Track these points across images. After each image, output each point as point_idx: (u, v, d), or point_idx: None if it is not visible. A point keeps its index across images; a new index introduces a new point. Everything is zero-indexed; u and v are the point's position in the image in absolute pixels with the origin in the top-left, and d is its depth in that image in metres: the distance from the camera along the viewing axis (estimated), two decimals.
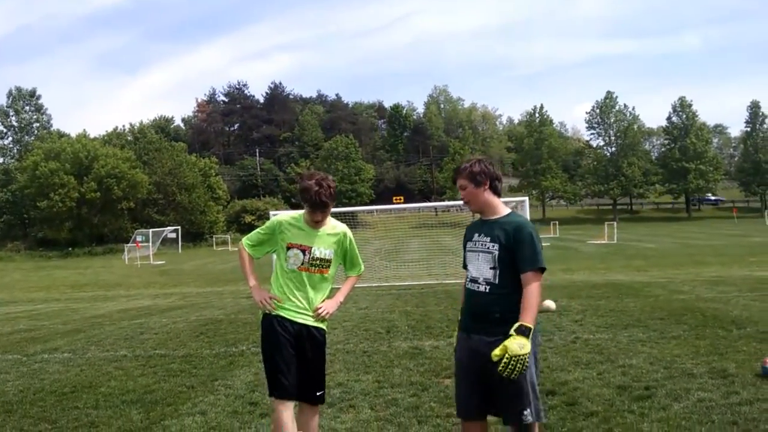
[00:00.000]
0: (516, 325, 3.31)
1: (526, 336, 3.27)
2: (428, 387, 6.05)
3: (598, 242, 40.00)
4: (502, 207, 3.62)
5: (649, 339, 7.90)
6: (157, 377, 7.00)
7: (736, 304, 10.63)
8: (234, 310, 13.10)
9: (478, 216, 3.72)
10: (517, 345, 3.24)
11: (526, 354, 3.24)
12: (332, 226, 4.14)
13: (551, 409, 5.14)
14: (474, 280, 3.53)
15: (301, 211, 4.11)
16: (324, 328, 4.12)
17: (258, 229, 4.27)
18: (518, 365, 3.23)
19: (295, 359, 3.95)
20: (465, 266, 3.72)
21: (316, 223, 4.02)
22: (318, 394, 4.03)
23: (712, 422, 4.61)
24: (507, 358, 3.23)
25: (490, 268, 3.47)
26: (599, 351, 7.31)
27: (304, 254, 3.99)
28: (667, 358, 6.74)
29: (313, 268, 4.02)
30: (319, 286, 4.07)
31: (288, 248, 4.02)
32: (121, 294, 20.35)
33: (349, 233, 4.19)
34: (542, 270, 3.42)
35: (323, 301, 4.08)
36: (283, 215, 4.20)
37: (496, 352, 3.27)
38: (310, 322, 4.02)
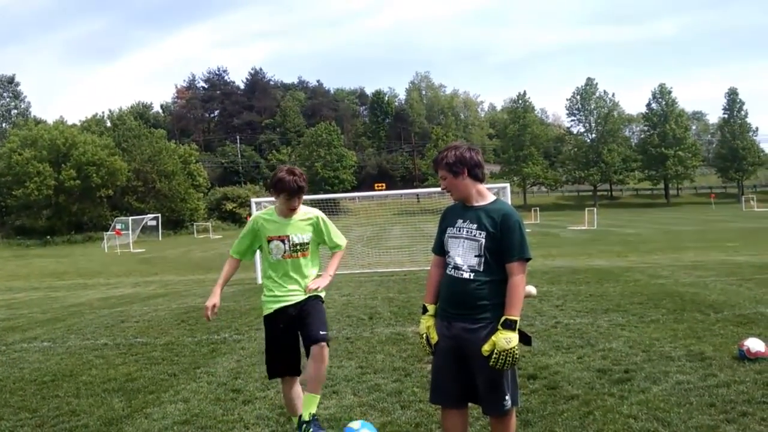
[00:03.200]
0: (502, 319, 3.32)
1: (513, 329, 3.29)
2: (411, 372, 6.08)
3: (579, 228, 40.32)
4: (486, 193, 3.54)
5: (628, 323, 8.00)
6: (138, 365, 6.97)
7: (714, 289, 10.79)
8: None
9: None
10: (504, 340, 3.26)
11: (513, 347, 3.27)
12: (304, 212, 4.40)
13: (532, 393, 5.20)
14: (457, 267, 3.45)
15: (271, 207, 4.45)
16: (320, 294, 4.39)
17: (240, 236, 4.49)
18: (508, 359, 3.27)
19: (289, 342, 4.30)
20: (438, 251, 3.64)
21: (291, 211, 4.29)
22: (321, 333, 4.20)
23: (691, 404, 4.69)
24: (496, 354, 3.27)
25: (475, 256, 3.40)
26: (580, 335, 7.39)
27: (284, 243, 4.28)
28: (646, 342, 6.83)
29: (295, 253, 4.31)
30: (305, 267, 4.34)
31: (269, 241, 4.31)
32: (101, 282, 20.17)
33: (322, 215, 4.47)
34: (528, 260, 3.42)
35: (314, 278, 4.37)
36: (257, 213, 4.52)
37: (485, 347, 3.30)
38: (301, 298, 4.30)
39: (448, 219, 3.61)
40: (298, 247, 4.30)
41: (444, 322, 3.52)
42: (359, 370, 6.26)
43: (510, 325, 3.29)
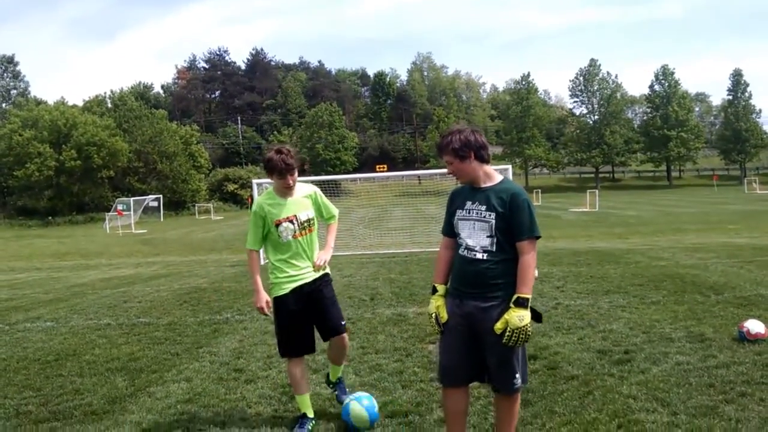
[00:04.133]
0: (514, 297, 3.35)
1: (525, 307, 3.32)
2: (412, 353, 6.12)
3: (580, 210, 40.31)
4: (493, 174, 3.56)
5: (629, 305, 8.03)
6: (141, 345, 7.01)
7: (715, 270, 10.81)
8: (218, 278, 13.10)
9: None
10: (517, 318, 3.30)
11: (526, 325, 3.31)
12: (302, 189, 4.46)
13: (533, 373, 5.22)
14: (469, 248, 3.47)
15: (270, 189, 4.48)
16: (328, 272, 4.52)
17: (250, 227, 4.45)
18: (521, 336, 3.31)
19: (308, 321, 4.41)
20: (448, 233, 3.66)
21: (287, 189, 4.33)
22: (343, 323, 4.48)
23: (690, 385, 4.72)
24: (509, 332, 3.30)
25: (487, 237, 3.43)
26: (580, 316, 7.42)
27: (293, 223, 4.33)
28: (647, 323, 6.87)
29: (304, 230, 4.38)
30: (312, 243, 4.45)
31: (277, 225, 4.31)
32: (103, 263, 20.23)
33: (318, 190, 4.57)
34: (537, 238, 3.45)
35: (318, 254, 4.46)
36: (258, 199, 4.48)
37: (498, 325, 3.33)
38: (315, 276, 4.41)
39: (456, 201, 3.62)
40: (306, 224, 4.38)
41: (456, 300, 3.54)
42: (360, 351, 6.30)
43: (522, 303, 3.33)
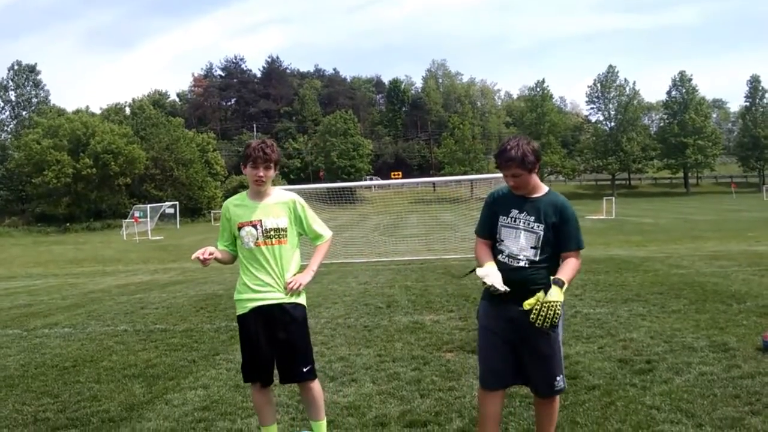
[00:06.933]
0: (552, 278, 3.36)
1: (560, 287, 3.31)
2: (429, 361, 6.06)
3: (597, 217, 40.03)
4: (540, 184, 3.57)
5: (649, 313, 7.91)
6: (158, 351, 7.01)
7: (736, 279, 10.65)
8: (234, 285, 13.02)
9: (502, 184, 3.65)
10: (548, 294, 3.28)
11: (557, 301, 3.26)
12: (279, 195, 4.00)
13: None
14: (512, 256, 3.47)
15: (244, 192, 4.04)
16: (301, 302, 3.96)
17: (219, 228, 4.07)
18: (549, 312, 3.25)
19: (269, 349, 3.87)
20: (486, 235, 3.62)
21: (258, 185, 3.85)
22: (305, 370, 3.89)
23: (715, 395, 4.62)
24: (539, 305, 3.26)
25: (532, 247, 3.45)
26: (600, 325, 7.32)
27: (257, 229, 3.85)
28: (668, 332, 6.76)
29: (270, 240, 3.85)
30: (282, 258, 3.88)
31: (240, 228, 3.88)
32: (119, 269, 20.35)
33: (300, 200, 4.00)
34: (582, 249, 3.52)
35: (294, 275, 3.93)
36: (228, 200, 4.07)
37: (530, 301, 3.30)
38: (282, 299, 3.86)
39: (499, 205, 3.60)
40: (273, 233, 3.85)
41: (496, 305, 3.51)
42: (378, 359, 6.24)
43: (558, 283, 3.32)
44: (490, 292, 3.44)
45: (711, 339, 6.36)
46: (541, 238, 3.44)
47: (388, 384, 5.37)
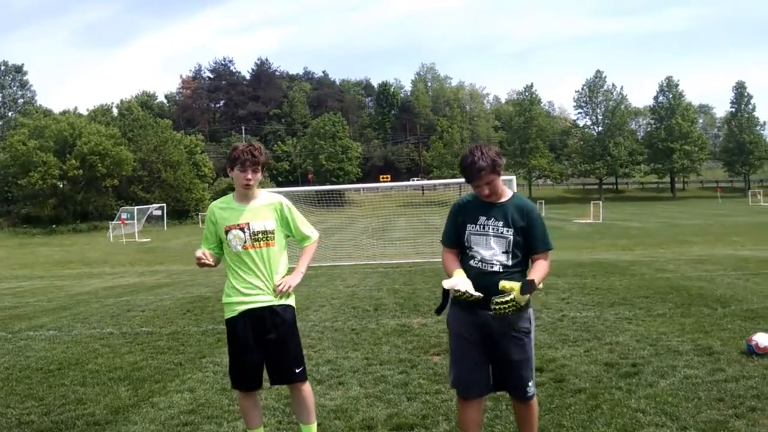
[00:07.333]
0: (525, 279, 3.36)
1: (529, 292, 3.32)
2: (417, 364, 6.06)
3: (584, 221, 40.26)
4: (505, 188, 3.60)
5: (635, 317, 7.96)
6: (144, 354, 6.97)
7: (721, 283, 10.74)
8: (221, 288, 12.94)
9: (465, 192, 3.68)
10: (522, 298, 3.29)
11: (519, 304, 3.29)
12: (266, 197, 3.96)
13: (539, 386, 5.15)
14: (485, 261, 3.48)
15: (230, 194, 4.00)
16: (291, 304, 3.93)
17: (204, 230, 4.01)
18: (509, 308, 3.27)
19: (258, 353, 3.84)
20: (452, 244, 3.62)
21: (246, 188, 3.81)
22: (297, 371, 3.87)
23: (699, 399, 4.66)
24: (510, 298, 3.25)
25: (503, 252, 3.48)
26: (586, 329, 7.35)
27: (244, 232, 3.81)
28: (653, 336, 6.80)
29: (258, 243, 3.82)
30: (271, 260, 3.85)
31: (227, 232, 3.83)
32: (106, 271, 20.23)
33: (287, 202, 3.98)
34: (550, 250, 3.55)
35: (283, 277, 3.90)
36: (212, 203, 4.01)
37: (508, 285, 3.29)
38: (272, 302, 3.83)
39: (466, 214, 3.60)
40: (261, 236, 3.81)
41: (467, 312, 3.51)
42: (365, 362, 6.24)
43: (528, 288, 3.29)
44: (463, 299, 3.42)
45: (696, 343, 6.41)
46: (511, 243, 3.47)
47: (375, 387, 5.37)
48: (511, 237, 3.46)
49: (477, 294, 3.36)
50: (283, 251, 3.97)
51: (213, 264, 3.93)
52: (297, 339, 3.96)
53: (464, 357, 3.57)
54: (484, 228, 3.51)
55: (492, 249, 3.48)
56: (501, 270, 3.45)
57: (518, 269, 3.47)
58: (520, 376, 3.51)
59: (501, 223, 3.48)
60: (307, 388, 3.97)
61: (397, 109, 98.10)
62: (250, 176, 3.77)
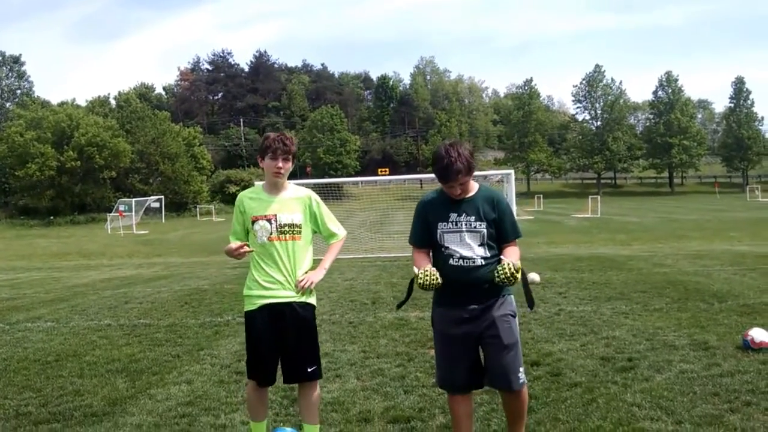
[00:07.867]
0: (503, 258, 3.44)
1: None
2: (414, 357, 6.08)
3: (582, 216, 40.26)
4: (473, 183, 3.60)
5: (631, 311, 7.99)
6: (142, 346, 6.98)
7: (718, 278, 10.77)
8: (219, 281, 13.07)
9: (427, 189, 3.70)
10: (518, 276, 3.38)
11: (518, 272, 3.36)
12: (295, 190, 3.95)
13: (535, 379, 5.19)
14: (465, 258, 3.47)
15: (260, 184, 4.02)
16: (311, 302, 3.92)
17: (233, 220, 4.01)
18: (513, 276, 3.33)
19: (274, 349, 3.83)
20: (422, 243, 3.61)
21: (277, 177, 3.81)
22: (309, 370, 3.85)
23: (694, 393, 4.68)
24: (510, 265, 3.33)
25: (479, 245, 3.48)
26: (583, 323, 7.38)
27: (271, 223, 3.80)
28: (650, 330, 6.83)
29: (284, 235, 3.81)
30: (296, 255, 3.83)
31: (253, 222, 3.82)
32: (104, 263, 20.22)
33: (316, 197, 3.97)
34: (520, 237, 3.64)
35: (306, 272, 3.88)
36: (242, 193, 4.00)
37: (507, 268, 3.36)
38: (293, 298, 3.82)
39: (434, 213, 3.58)
40: (287, 228, 3.80)
41: (452, 309, 3.54)
42: (362, 355, 6.26)
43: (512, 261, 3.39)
44: (432, 286, 3.41)
45: (692, 337, 6.43)
46: (485, 236, 3.49)
47: (372, 380, 5.39)
48: (485, 230, 3.48)
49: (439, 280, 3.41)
50: (309, 246, 3.95)
51: (249, 250, 3.87)
52: (314, 337, 3.93)
53: (449, 355, 3.58)
54: (456, 224, 3.50)
55: (468, 245, 3.47)
56: (483, 263, 3.46)
57: (496, 259, 3.49)
58: (511, 362, 3.48)
59: (473, 218, 3.48)
60: (317, 387, 3.95)
61: (396, 102, 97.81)
62: (281, 164, 3.78)
